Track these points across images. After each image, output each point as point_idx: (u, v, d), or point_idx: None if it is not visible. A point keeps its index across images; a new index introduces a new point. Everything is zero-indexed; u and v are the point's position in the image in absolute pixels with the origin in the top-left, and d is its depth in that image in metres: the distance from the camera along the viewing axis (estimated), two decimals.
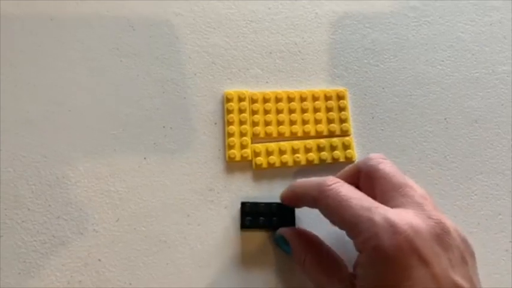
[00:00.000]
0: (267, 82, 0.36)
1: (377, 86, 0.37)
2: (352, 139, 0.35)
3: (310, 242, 0.29)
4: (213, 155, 0.34)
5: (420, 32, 0.38)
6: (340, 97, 0.36)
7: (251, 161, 0.34)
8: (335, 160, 0.34)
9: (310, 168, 0.34)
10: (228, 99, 0.35)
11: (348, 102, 0.36)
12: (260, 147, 0.34)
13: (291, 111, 0.35)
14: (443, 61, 0.38)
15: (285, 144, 0.34)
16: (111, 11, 0.38)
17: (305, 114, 0.35)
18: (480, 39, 0.38)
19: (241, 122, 0.35)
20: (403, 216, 0.25)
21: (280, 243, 0.31)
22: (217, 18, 0.38)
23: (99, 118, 0.35)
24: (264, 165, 0.33)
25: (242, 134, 0.34)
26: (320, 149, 0.34)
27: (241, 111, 0.35)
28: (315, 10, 0.39)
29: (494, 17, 0.39)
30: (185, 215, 0.32)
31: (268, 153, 0.34)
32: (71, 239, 0.31)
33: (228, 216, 0.32)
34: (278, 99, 0.35)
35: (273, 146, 0.34)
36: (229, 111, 0.35)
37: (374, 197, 0.26)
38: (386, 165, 0.28)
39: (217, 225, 0.32)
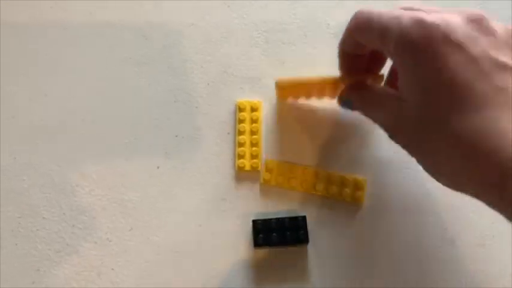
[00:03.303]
0: None
1: None
2: (366, 181, 0.33)
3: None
4: (225, 165, 0.34)
5: None
6: None
7: (260, 171, 0.34)
8: (342, 198, 0.33)
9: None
10: (240, 109, 0.35)
11: None
12: (272, 163, 0.34)
13: None
14: None
15: (297, 168, 0.34)
16: (125, 21, 0.38)
17: None
18: None
19: (253, 132, 0.35)
20: (433, 14, 0.24)
21: (344, 103, 0.31)
22: (230, 28, 0.38)
23: (111, 127, 0.35)
24: (272, 182, 0.33)
25: (253, 144, 0.34)
26: (330, 182, 0.33)
27: (253, 121, 0.35)
28: (327, 21, 0.39)
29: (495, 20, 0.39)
30: (197, 224, 0.32)
31: (279, 171, 0.34)
32: (84, 248, 0.32)
33: (240, 226, 0.32)
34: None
35: (285, 166, 0.34)
36: (241, 121, 0.35)
37: None
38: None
39: (230, 235, 0.32)
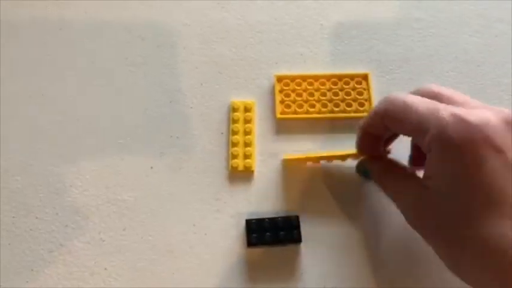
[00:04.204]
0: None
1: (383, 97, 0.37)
2: None
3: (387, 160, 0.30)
4: (219, 165, 0.34)
5: (425, 44, 0.39)
6: None
7: (254, 171, 0.34)
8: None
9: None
10: (234, 109, 0.36)
11: None
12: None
13: None
14: (448, 72, 0.38)
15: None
16: (120, 21, 0.38)
17: None
18: (485, 51, 0.39)
19: (246, 132, 0.35)
20: (472, 111, 0.24)
21: (362, 172, 0.32)
22: (224, 29, 0.39)
23: (106, 127, 0.35)
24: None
25: (246, 144, 0.35)
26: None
27: (246, 121, 0.35)
28: (321, 21, 0.39)
29: (499, 29, 0.39)
30: (191, 224, 0.32)
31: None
32: (78, 248, 0.32)
33: (233, 226, 0.32)
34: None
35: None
36: (235, 121, 0.35)
37: None
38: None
39: (224, 234, 0.32)
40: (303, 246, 0.32)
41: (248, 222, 0.31)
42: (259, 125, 0.36)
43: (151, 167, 0.34)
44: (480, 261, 0.23)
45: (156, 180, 0.34)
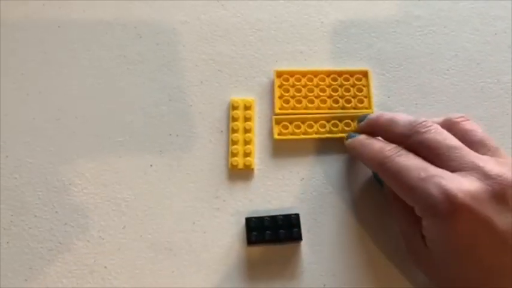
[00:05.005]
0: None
1: (382, 95, 0.37)
2: None
3: None
4: (219, 163, 0.34)
5: (425, 42, 0.39)
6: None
7: (254, 169, 0.34)
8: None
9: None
10: (233, 107, 0.35)
11: None
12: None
13: None
14: (448, 70, 0.38)
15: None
16: (118, 19, 0.38)
17: None
18: (485, 49, 0.39)
19: (246, 130, 0.35)
20: (459, 183, 0.25)
21: (378, 180, 0.32)
22: (224, 27, 0.38)
23: (105, 125, 0.35)
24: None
25: (246, 142, 0.34)
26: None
27: (246, 119, 0.35)
28: (321, 19, 0.39)
29: (498, 27, 0.39)
30: (191, 222, 0.32)
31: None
32: (77, 246, 0.31)
33: (234, 224, 0.32)
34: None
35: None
36: (235, 119, 0.35)
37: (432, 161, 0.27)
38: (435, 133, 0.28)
39: (223, 233, 0.32)
40: (303, 244, 0.32)
41: (248, 221, 0.31)
42: (259, 122, 0.35)
43: (151, 165, 0.34)
44: None
45: (155, 179, 0.34)
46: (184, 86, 0.36)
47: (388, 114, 0.30)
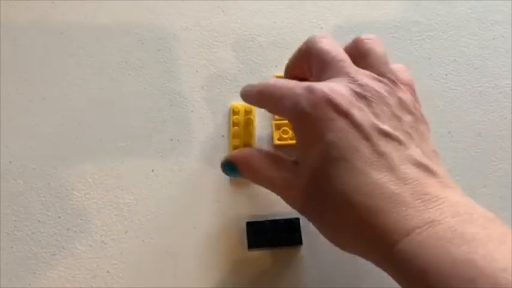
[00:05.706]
0: None
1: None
2: None
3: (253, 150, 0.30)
4: (220, 168, 0.34)
5: (423, 47, 0.39)
6: None
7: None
8: None
9: None
10: (234, 112, 0.36)
11: None
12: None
13: None
14: (446, 75, 0.38)
15: None
16: (120, 26, 0.39)
17: None
18: (483, 54, 0.39)
19: (246, 135, 0.35)
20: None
21: (228, 171, 0.30)
22: (224, 32, 0.39)
23: (107, 131, 0.35)
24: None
25: (247, 147, 0.35)
26: None
27: (247, 124, 0.36)
28: (320, 24, 0.39)
29: (497, 32, 0.40)
30: (192, 227, 0.33)
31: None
32: (80, 251, 0.32)
33: (234, 228, 0.33)
34: None
35: None
36: (235, 124, 0.35)
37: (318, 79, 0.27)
38: (324, 43, 0.28)
39: (225, 237, 0.32)
40: (304, 248, 0.32)
41: (249, 225, 0.32)
42: (260, 128, 0.36)
43: (152, 170, 0.34)
44: (339, 215, 0.24)
45: (157, 183, 0.34)
46: (186, 92, 0.37)
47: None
